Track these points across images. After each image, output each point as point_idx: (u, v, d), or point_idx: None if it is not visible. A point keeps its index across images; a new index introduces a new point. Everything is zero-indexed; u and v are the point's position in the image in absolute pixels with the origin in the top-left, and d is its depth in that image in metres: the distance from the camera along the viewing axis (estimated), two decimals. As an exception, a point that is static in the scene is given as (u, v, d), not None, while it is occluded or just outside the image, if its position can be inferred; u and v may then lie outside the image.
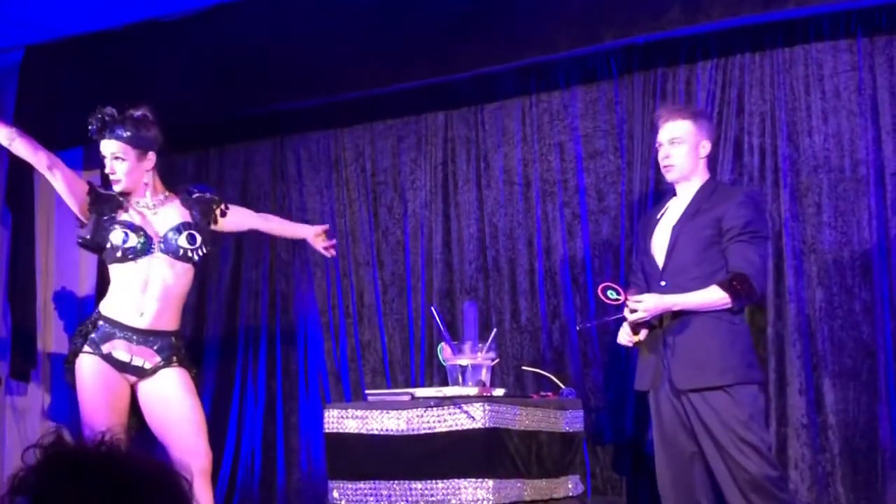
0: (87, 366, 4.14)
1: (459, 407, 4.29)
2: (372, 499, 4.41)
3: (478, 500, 4.22)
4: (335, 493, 4.51)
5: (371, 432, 4.45)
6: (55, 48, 6.12)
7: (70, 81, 6.09)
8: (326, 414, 4.60)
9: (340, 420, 4.52)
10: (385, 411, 4.44)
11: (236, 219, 4.51)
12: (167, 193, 4.34)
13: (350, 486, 4.47)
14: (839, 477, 4.73)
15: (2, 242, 6.30)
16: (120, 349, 4.14)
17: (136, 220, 4.24)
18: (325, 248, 4.64)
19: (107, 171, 4.27)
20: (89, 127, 4.26)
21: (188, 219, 4.28)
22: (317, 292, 5.98)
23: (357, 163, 5.96)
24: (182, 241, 4.22)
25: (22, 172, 6.19)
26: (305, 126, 6.07)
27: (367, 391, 5.10)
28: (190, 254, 4.23)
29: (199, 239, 4.26)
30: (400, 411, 4.42)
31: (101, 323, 4.16)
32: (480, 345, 4.56)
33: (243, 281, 6.17)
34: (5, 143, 4.26)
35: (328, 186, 6.01)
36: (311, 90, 5.73)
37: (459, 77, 5.47)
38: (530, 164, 5.52)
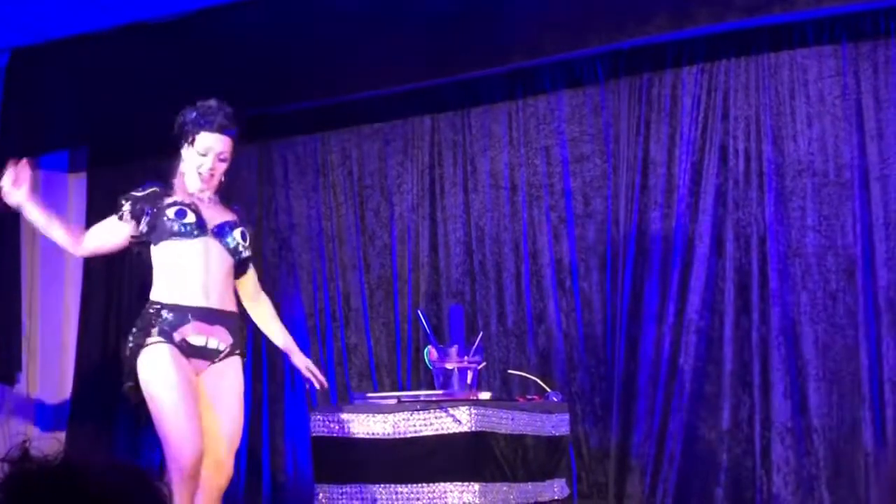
0: (157, 355, 3.74)
1: (445, 410, 4.30)
2: (358, 502, 4.41)
3: (464, 503, 4.23)
4: (321, 497, 4.51)
5: (357, 436, 4.45)
6: (42, 51, 6.10)
7: (57, 84, 6.07)
8: (312, 417, 4.60)
9: (326, 423, 4.52)
10: (371, 414, 4.44)
11: (244, 275, 4.11)
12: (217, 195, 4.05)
13: (336, 489, 4.47)
14: (824, 480, 4.75)
15: (-13, 245, 6.28)
16: (193, 333, 3.80)
17: (192, 202, 3.93)
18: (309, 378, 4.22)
19: (200, 165, 3.92)
20: (199, 119, 3.92)
21: (237, 219, 3.99)
22: (303, 295, 5.97)
23: (344, 166, 5.97)
24: (236, 235, 3.92)
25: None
26: (292, 129, 6.07)
27: (353, 394, 5.10)
28: (241, 248, 3.92)
29: (249, 238, 3.98)
30: (386, 415, 4.42)
31: (164, 311, 3.80)
32: (467, 348, 4.57)
33: (229, 284, 6.16)
34: (40, 227, 4.03)
35: (315, 190, 6.01)
36: (298, 94, 5.73)
37: (446, 81, 5.48)
38: (517, 168, 5.53)
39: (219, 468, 3.83)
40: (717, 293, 5.03)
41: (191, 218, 3.86)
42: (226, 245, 3.90)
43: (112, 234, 3.96)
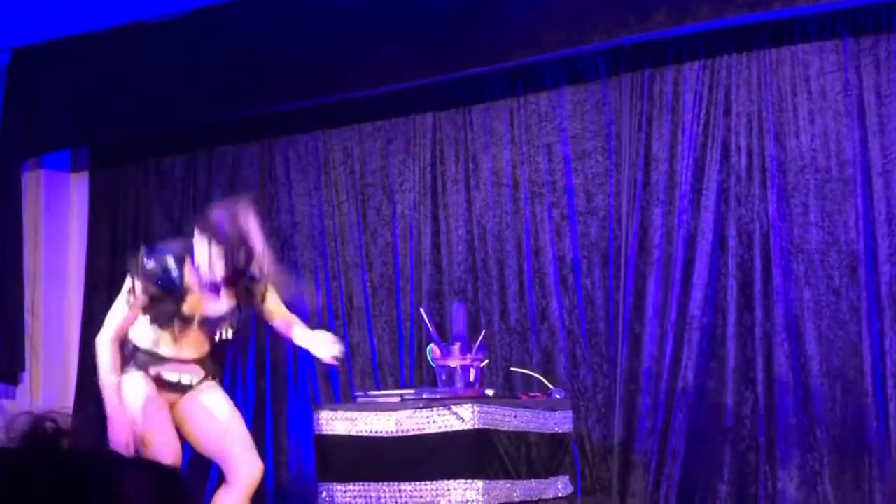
0: (137, 384, 4.04)
1: (448, 408, 4.30)
2: (361, 500, 4.41)
3: (467, 501, 4.23)
4: (324, 495, 4.51)
5: (360, 434, 4.45)
6: (42, 51, 6.10)
7: (58, 84, 6.07)
8: (316, 416, 4.60)
9: (330, 422, 4.52)
10: (374, 413, 4.45)
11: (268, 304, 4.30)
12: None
13: (339, 487, 4.47)
14: (827, 476, 4.75)
15: (-10, 245, 6.29)
16: (168, 371, 4.09)
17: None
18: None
19: (196, 260, 4.02)
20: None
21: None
22: (306, 294, 5.97)
23: (345, 165, 5.96)
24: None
25: (10, 174, 6.19)
26: (293, 128, 6.07)
27: (356, 392, 5.10)
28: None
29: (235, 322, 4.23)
30: (389, 413, 4.42)
31: (139, 354, 4.08)
32: (469, 346, 4.57)
33: (232, 283, 6.16)
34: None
35: (317, 188, 6.00)
36: (299, 92, 5.73)
37: (447, 78, 5.48)
38: (518, 165, 5.53)
39: (256, 469, 4.06)
40: (720, 289, 5.03)
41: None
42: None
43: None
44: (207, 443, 4.18)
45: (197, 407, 4.17)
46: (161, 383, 4.11)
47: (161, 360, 4.10)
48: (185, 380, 4.14)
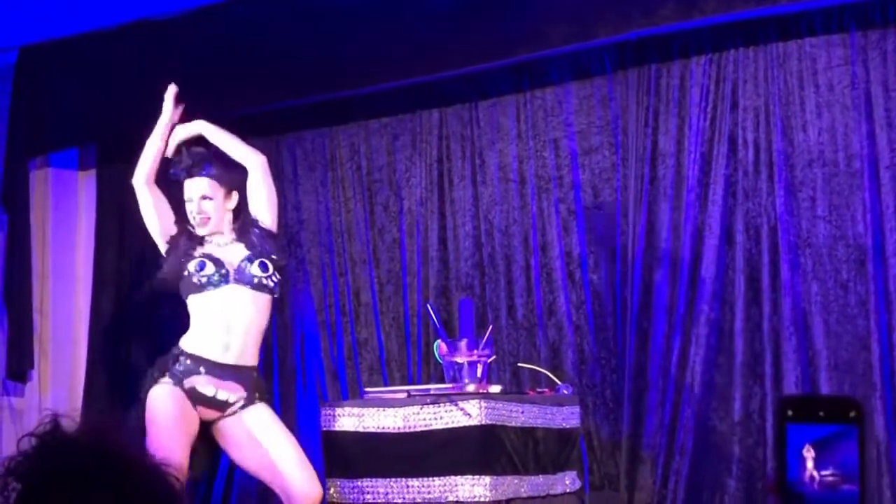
0: (163, 395, 4.04)
1: (456, 404, 4.30)
2: (369, 496, 4.42)
3: (475, 496, 4.23)
4: (332, 491, 4.52)
5: (368, 430, 4.45)
6: (49, 49, 6.11)
7: (65, 82, 6.08)
8: (323, 412, 4.61)
9: (337, 418, 4.53)
10: (382, 409, 4.45)
11: (256, 205, 4.35)
12: (236, 227, 4.29)
13: (347, 483, 4.48)
14: (836, 471, 4.73)
15: (-2, 243, 6.30)
16: (203, 384, 4.06)
17: (213, 252, 4.21)
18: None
19: (191, 212, 4.22)
20: (172, 170, 4.26)
21: (257, 248, 4.22)
22: (313, 290, 5.98)
23: (352, 161, 5.96)
24: (254, 269, 4.16)
25: (17, 173, 6.20)
26: (300, 125, 6.07)
27: (363, 389, 5.11)
28: (265, 281, 4.17)
29: (270, 267, 4.20)
30: (396, 409, 4.43)
31: (182, 358, 4.08)
32: (477, 342, 4.57)
33: (239, 280, 6.17)
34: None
35: (323, 185, 6.01)
36: (305, 89, 5.73)
37: (453, 74, 5.47)
38: (525, 160, 5.52)
39: (306, 489, 4.04)
40: (728, 284, 5.02)
41: (209, 269, 4.12)
42: (250, 284, 4.13)
43: (162, 210, 4.34)
44: (259, 469, 4.12)
45: (240, 430, 4.09)
46: (196, 397, 4.05)
47: (199, 365, 4.04)
48: (223, 396, 4.07)
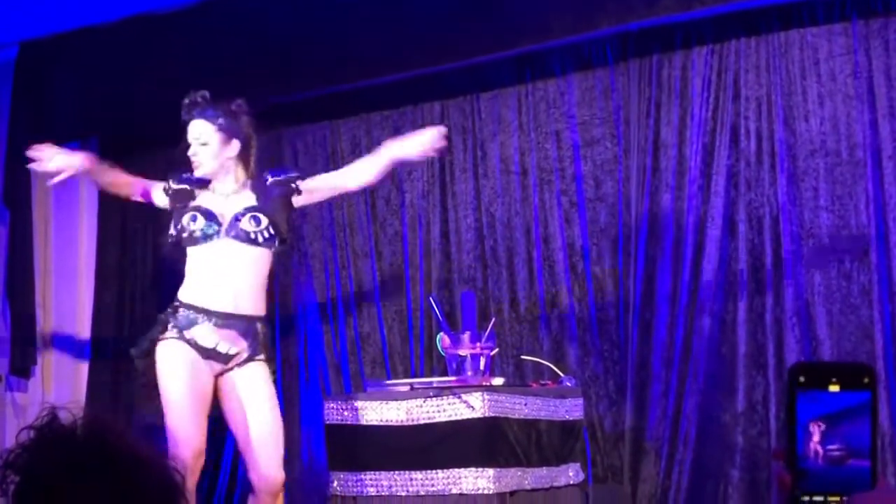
0: (171, 350, 3.97)
1: (459, 396, 4.30)
2: (372, 489, 4.41)
3: (478, 489, 4.22)
4: (336, 485, 4.52)
5: (371, 423, 4.45)
6: (50, 44, 6.11)
7: (65, 77, 6.08)
8: (326, 405, 4.61)
9: (340, 411, 4.52)
10: (385, 402, 4.45)
11: (311, 189, 4.27)
12: (246, 181, 4.21)
13: (350, 476, 4.48)
14: (840, 461, 4.73)
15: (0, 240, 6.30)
16: (204, 334, 3.98)
17: (207, 205, 4.14)
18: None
19: (190, 153, 4.18)
20: (183, 114, 4.23)
21: (255, 202, 4.14)
22: (315, 284, 5.98)
23: (354, 154, 5.94)
24: (245, 223, 4.07)
25: (19, 169, 6.19)
26: (301, 118, 6.06)
27: (366, 382, 5.10)
28: (254, 236, 4.06)
29: (263, 221, 4.09)
30: (400, 402, 4.42)
31: (181, 310, 4.02)
32: (479, 334, 4.56)
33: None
34: (78, 172, 4.39)
35: (325, 178, 6.00)
36: (306, 82, 5.72)
37: (454, 66, 5.47)
38: (527, 152, 5.52)
39: (265, 474, 3.95)
40: (730, 275, 5.01)
41: (200, 223, 4.07)
42: (239, 238, 4.06)
43: (153, 195, 4.30)
44: (235, 431, 4.04)
45: (229, 385, 4.00)
46: (199, 350, 3.96)
47: (197, 315, 3.96)
48: (223, 347, 3.98)
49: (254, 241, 4.08)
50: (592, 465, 4.97)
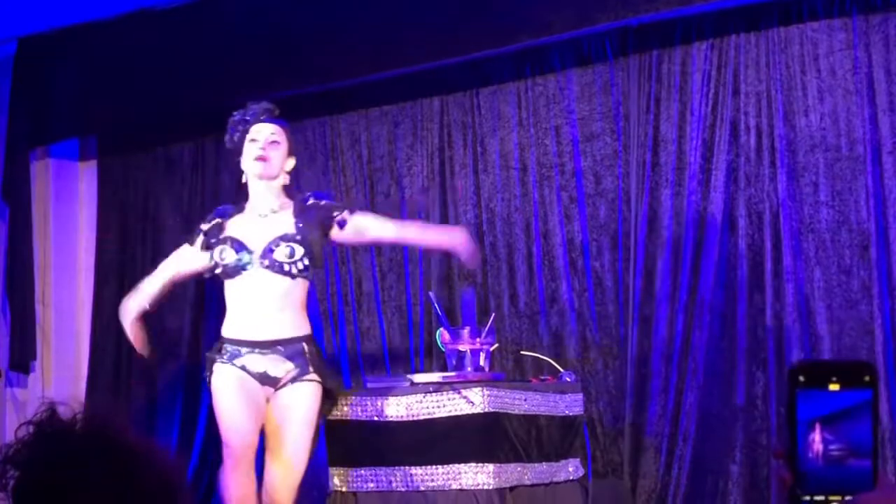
0: (223, 374, 3.95)
1: (458, 392, 4.30)
2: (372, 485, 4.42)
3: (478, 484, 4.23)
4: (336, 480, 4.52)
5: (371, 419, 4.45)
6: (49, 39, 6.10)
7: (64, 73, 6.07)
8: (326, 401, 4.60)
9: (340, 407, 4.52)
10: (385, 397, 4.45)
11: (358, 228, 4.13)
12: (284, 201, 4.09)
13: (350, 472, 4.48)
14: (839, 456, 4.73)
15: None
16: (252, 362, 3.94)
17: (239, 234, 4.02)
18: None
19: (248, 154, 4.05)
20: (236, 116, 4.16)
21: (292, 230, 4.00)
22: (315, 279, 5.97)
23: (353, 150, 5.95)
24: (279, 254, 3.94)
25: (18, 164, 6.19)
26: (300, 113, 6.04)
27: (366, 378, 5.10)
28: (287, 267, 3.93)
29: (298, 251, 3.95)
30: (399, 397, 4.42)
31: (225, 345, 3.98)
32: (479, 330, 4.56)
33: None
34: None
35: (324, 174, 6.00)
36: (306, 78, 5.71)
37: (454, 62, 5.46)
38: (527, 148, 5.51)
39: (270, 499, 3.89)
40: (730, 270, 5.01)
41: (230, 256, 3.98)
42: (275, 269, 3.95)
43: (187, 261, 4.20)
44: (265, 447, 3.97)
45: (274, 406, 3.95)
46: (251, 374, 3.94)
47: (240, 347, 3.94)
48: (272, 371, 3.93)
49: (288, 273, 3.95)
50: (592, 461, 4.97)
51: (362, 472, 4.44)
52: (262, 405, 3.94)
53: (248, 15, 5.66)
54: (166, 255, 6.58)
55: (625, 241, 5.22)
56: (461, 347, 4.54)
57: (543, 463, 4.51)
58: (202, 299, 6.24)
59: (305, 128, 6.08)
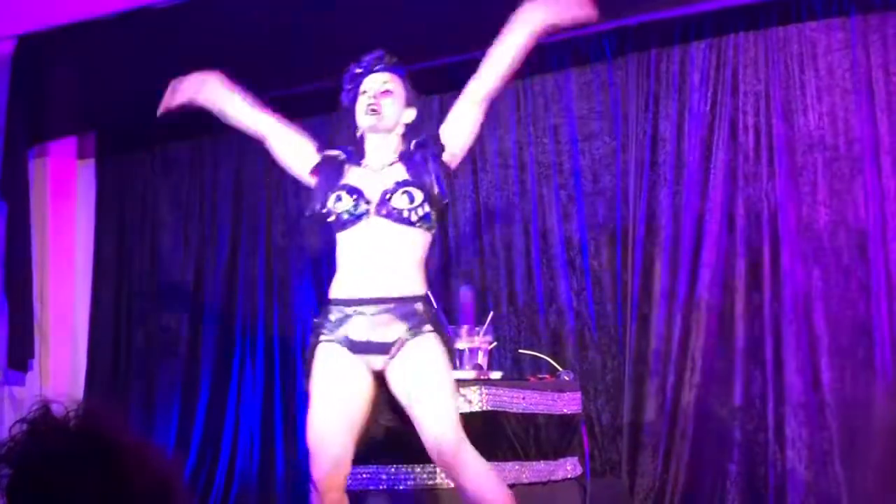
0: (320, 354, 3.54)
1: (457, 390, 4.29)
2: (371, 483, 4.41)
3: (476, 483, 4.22)
4: (334, 479, 4.51)
5: (369, 417, 4.44)
6: (47, 37, 6.10)
7: (63, 71, 6.07)
8: (324, 399, 4.59)
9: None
10: (383, 396, 4.44)
11: (451, 124, 3.79)
12: (397, 152, 3.70)
13: (352, 471, 4.47)
14: (837, 455, 4.74)
15: (-3, 232, 6.30)
16: (356, 328, 3.50)
17: (356, 182, 3.62)
18: None
19: (361, 106, 3.69)
20: (349, 72, 3.80)
21: (407, 176, 3.60)
22: (314, 278, 5.97)
23: (352, 148, 5.95)
24: (397, 200, 3.54)
25: (17, 161, 6.19)
26: (298, 112, 6.03)
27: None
28: (407, 214, 3.52)
29: (417, 197, 3.55)
30: (397, 396, 4.41)
31: (331, 308, 3.56)
32: (477, 328, 4.56)
33: (240, 268, 6.17)
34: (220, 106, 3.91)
35: (323, 172, 5.99)
36: (304, 76, 5.71)
37: (453, 60, 5.45)
38: (525, 147, 5.51)
39: (432, 439, 3.45)
40: (728, 269, 5.02)
41: (346, 203, 3.57)
42: (394, 217, 3.56)
43: (296, 146, 3.90)
44: (407, 409, 3.51)
45: (396, 366, 3.50)
46: (353, 348, 3.51)
47: (355, 305, 3.50)
48: (378, 337, 3.50)
49: (407, 221, 3.55)
50: (590, 460, 4.97)
51: (361, 471, 4.44)
52: (362, 397, 3.55)
53: (246, 13, 5.66)
54: (164, 253, 6.58)
55: (623, 240, 5.23)
56: (459, 346, 4.54)
57: (541, 461, 4.51)
58: (202, 299, 6.25)
59: (304, 126, 6.03)
